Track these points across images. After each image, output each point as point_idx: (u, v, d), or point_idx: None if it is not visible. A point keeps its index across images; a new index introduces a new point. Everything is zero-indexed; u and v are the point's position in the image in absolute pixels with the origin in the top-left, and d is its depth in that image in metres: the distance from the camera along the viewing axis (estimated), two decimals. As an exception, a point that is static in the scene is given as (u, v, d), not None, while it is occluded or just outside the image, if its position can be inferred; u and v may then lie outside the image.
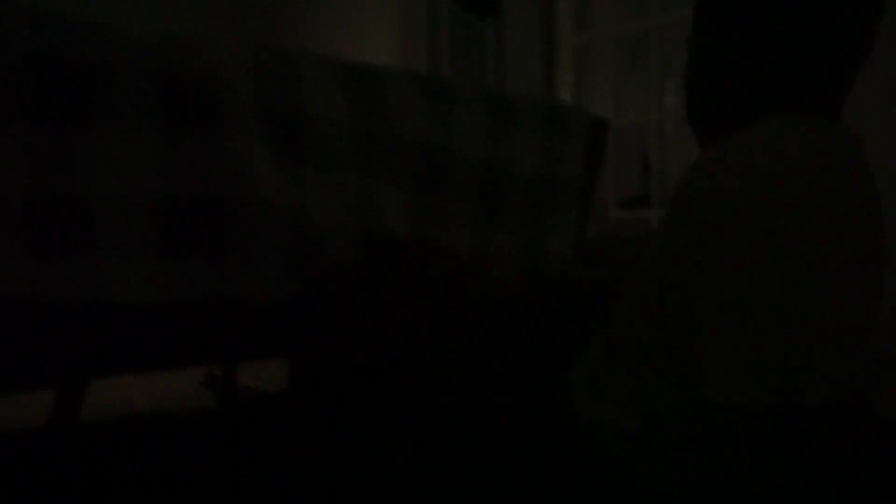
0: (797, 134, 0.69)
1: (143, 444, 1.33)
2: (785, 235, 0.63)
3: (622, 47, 2.76)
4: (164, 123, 0.89)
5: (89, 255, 0.83)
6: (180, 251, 0.90)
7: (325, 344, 0.96)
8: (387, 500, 0.81)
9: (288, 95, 1.00)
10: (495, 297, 1.13)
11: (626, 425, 0.78)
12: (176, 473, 1.14)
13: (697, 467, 0.74)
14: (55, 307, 0.82)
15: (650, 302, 0.76)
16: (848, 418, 0.69)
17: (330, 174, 1.04)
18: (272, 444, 0.92)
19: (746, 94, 0.78)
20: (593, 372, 0.84)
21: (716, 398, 0.67)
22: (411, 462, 0.82)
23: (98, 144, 0.84)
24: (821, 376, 0.65)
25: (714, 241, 0.66)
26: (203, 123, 0.91)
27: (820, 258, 0.64)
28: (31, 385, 0.99)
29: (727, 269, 0.65)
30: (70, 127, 0.82)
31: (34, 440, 1.37)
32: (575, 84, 2.74)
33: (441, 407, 0.85)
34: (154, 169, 0.88)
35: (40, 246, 0.80)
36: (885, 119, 1.96)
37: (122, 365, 1.21)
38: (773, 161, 0.66)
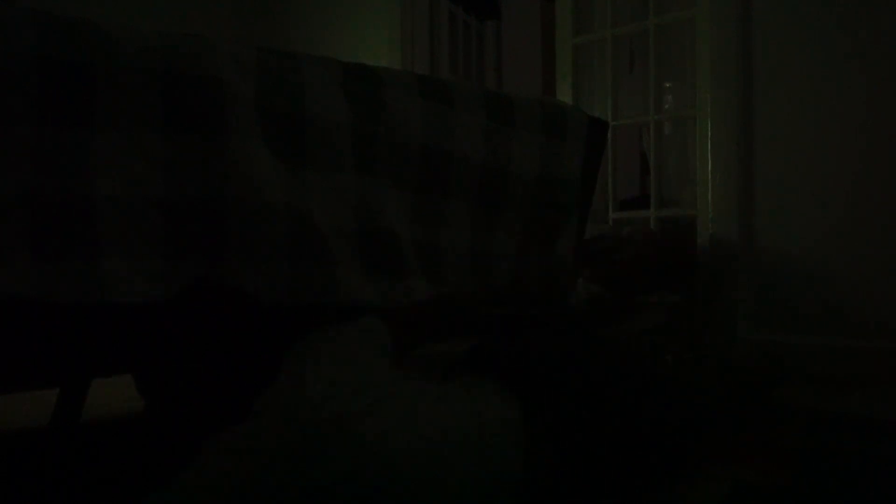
0: None
1: (142, 444, 1.33)
2: None
3: (621, 48, 2.76)
4: (166, 124, 0.89)
5: (92, 254, 0.84)
6: (182, 251, 0.90)
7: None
8: None
9: (289, 97, 1.01)
10: None
11: None
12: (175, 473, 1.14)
13: None
14: (58, 307, 0.82)
15: None
16: None
17: (331, 175, 1.05)
18: None
19: None
20: None
21: None
22: None
23: (101, 145, 0.85)
24: None
25: None
26: (205, 124, 0.91)
27: None
28: (32, 385, 1.00)
29: None
30: (73, 128, 0.83)
31: (34, 440, 1.37)
32: (574, 84, 2.75)
33: None
34: (156, 169, 0.88)
35: (44, 246, 0.80)
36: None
37: (123, 365, 1.21)
38: None
